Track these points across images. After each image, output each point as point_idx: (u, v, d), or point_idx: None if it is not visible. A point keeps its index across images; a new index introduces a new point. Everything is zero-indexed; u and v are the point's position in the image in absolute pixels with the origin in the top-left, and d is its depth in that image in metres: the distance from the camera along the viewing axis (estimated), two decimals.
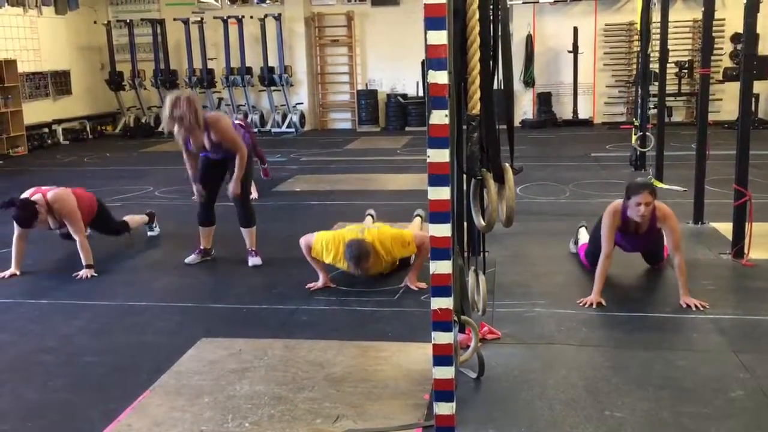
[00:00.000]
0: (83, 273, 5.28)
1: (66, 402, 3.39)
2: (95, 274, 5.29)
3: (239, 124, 7.15)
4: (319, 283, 4.84)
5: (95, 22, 14.90)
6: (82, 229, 5.44)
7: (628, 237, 4.69)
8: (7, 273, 5.33)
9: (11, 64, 12.37)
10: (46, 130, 13.47)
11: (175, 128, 5.00)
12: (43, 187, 5.44)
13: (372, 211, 6.08)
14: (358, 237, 4.66)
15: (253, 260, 5.46)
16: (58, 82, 14.02)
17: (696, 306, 4.24)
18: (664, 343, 3.83)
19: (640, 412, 3.10)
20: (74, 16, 14.19)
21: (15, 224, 5.33)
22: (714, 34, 6.49)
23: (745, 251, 5.15)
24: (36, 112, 13.16)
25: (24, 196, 5.34)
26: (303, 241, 4.90)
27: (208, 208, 5.52)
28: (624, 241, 4.74)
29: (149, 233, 6.39)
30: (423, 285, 4.69)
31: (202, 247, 5.57)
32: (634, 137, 8.77)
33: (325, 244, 4.77)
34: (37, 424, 3.20)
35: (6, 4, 12.14)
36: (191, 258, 5.52)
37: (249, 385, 3.45)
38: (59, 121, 13.80)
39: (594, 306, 4.34)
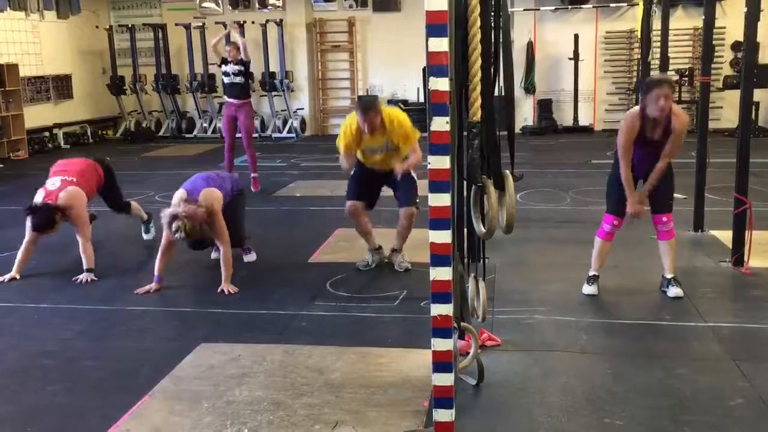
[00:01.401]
0: (83, 277, 5.27)
1: (65, 406, 3.39)
2: (95, 279, 5.29)
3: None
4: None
5: (97, 27, 14.92)
6: (88, 235, 5.43)
7: (645, 148, 4.44)
8: (7, 277, 5.33)
9: (13, 68, 12.38)
10: (47, 134, 13.47)
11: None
12: (50, 187, 5.35)
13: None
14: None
15: (248, 257, 5.62)
16: (60, 86, 14.03)
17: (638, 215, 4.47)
18: (663, 351, 3.83)
19: (640, 419, 3.10)
20: (76, 21, 14.21)
21: (28, 228, 5.29)
22: (714, 43, 6.51)
23: (745, 259, 5.15)
24: (37, 116, 13.17)
25: (37, 200, 5.28)
26: (342, 161, 5.21)
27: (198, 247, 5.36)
28: (640, 154, 4.47)
29: (145, 236, 6.39)
30: (408, 265, 5.23)
31: None
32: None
33: (342, 135, 5.14)
34: (37, 428, 3.20)
35: (8, 8, 12.18)
36: (215, 254, 5.41)
37: (248, 391, 3.45)
38: (60, 125, 13.80)
39: (639, 218, 4.45)
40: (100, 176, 5.82)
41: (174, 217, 4.70)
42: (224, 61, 8.57)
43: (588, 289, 4.72)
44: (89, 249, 5.38)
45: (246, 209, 5.67)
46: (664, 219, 4.60)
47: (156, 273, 5.01)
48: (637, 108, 4.47)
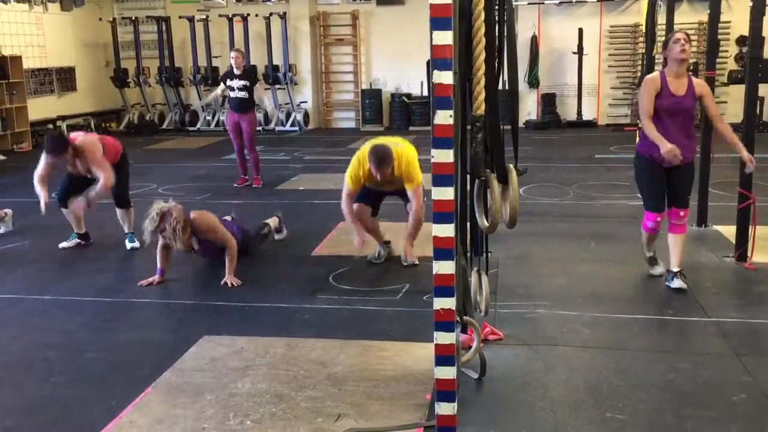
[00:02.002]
0: (78, 200, 5.61)
1: (68, 398, 3.40)
2: (85, 206, 5.53)
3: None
4: (355, 242, 5.13)
5: (100, 19, 14.93)
6: (109, 173, 5.56)
7: (675, 116, 4.49)
8: (42, 205, 5.46)
9: (16, 60, 12.40)
10: (51, 126, 13.49)
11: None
12: (72, 135, 5.71)
13: (279, 214, 6.25)
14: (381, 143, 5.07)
15: (279, 235, 5.89)
16: (63, 79, 14.04)
17: (751, 161, 4.62)
18: (666, 345, 3.83)
19: (642, 414, 3.10)
20: (80, 13, 14.22)
21: (42, 157, 5.52)
22: (719, 37, 6.48)
23: (749, 254, 5.14)
24: (41, 108, 13.19)
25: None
26: (342, 202, 5.18)
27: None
28: (671, 125, 4.48)
29: (129, 245, 6.14)
30: (415, 258, 5.14)
31: None
32: (638, 139, 8.74)
33: (352, 173, 5.09)
34: (39, 419, 3.21)
35: (12, 0, 12.19)
36: None
37: (251, 384, 3.45)
38: (64, 118, 13.82)
39: (676, 155, 4.33)
40: (118, 152, 5.92)
41: (157, 220, 4.80)
42: (229, 75, 8.52)
43: (655, 270, 4.90)
44: (105, 185, 5.53)
45: (249, 203, 5.67)
46: (681, 213, 4.63)
47: (158, 266, 5.02)
48: (654, 73, 4.65)
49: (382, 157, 4.92)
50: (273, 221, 6.07)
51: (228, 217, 5.62)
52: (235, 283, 4.91)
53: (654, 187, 4.63)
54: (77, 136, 5.66)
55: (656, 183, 4.62)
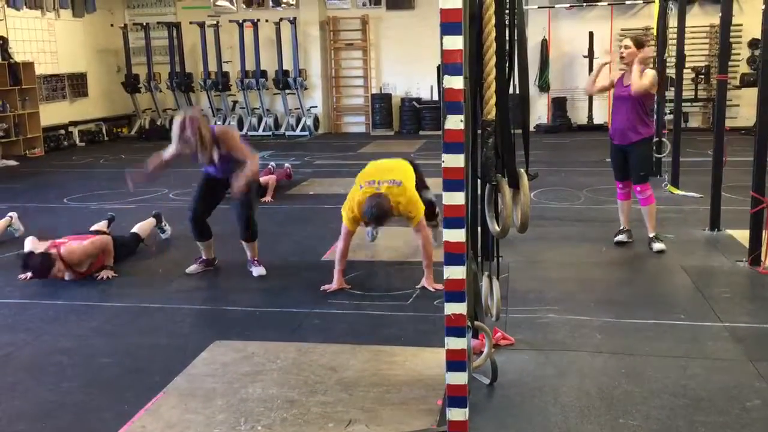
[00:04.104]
0: (104, 273, 5.31)
1: (80, 403, 3.41)
2: (115, 275, 5.32)
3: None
4: (334, 285, 4.85)
5: (112, 25, 15.01)
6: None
7: (620, 89, 5.54)
8: (29, 274, 5.25)
9: (29, 66, 12.48)
10: (63, 131, 13.57)
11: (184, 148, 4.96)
12: (57, 240, 5.35)
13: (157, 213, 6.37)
14: (375, 193, 4.75)
15: (258, 270, 5.29)
16: (75, 85, 14.12)
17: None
18: (678, 350, 3.80)
19: (655, 420, 3.08)
20: (91, 19, 14.30)
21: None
22: (731, 40, 6.46)
23: (762, 259, 5.10)
24: (53, 114, 13.26)
25: (38, 250, 5.22)
26: (339, 241, 5.03)
27: (202, 224, 5.34)
28: (617, 91, 5.61)
29: (162, 235, 6.39)
30: (440, 286, 4.64)
31: (203, 258, 5.44)
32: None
33: (350, 215, 4.90)
34: (51, 424, 3.22)
35: (24, 6, 12.28)
36: (192, 268, 5.38)
37: (262, 389, 3.45)
38: (76, 123, 13.90)
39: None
40: (109, 249, 5.47)
41: (188, 121, 4.83)
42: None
43: (618, 237, 5.73)
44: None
45: (259, 207, 5.68)
46: (638, 189, 5.54)
47: (147, 168, 5.18)
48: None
49: (378, 214, 4.69)
50: (149, 223, 6.22)
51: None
52: (243, 187, 4.90)
53: (614, 162, 5.76)
54: (61, 243, 5.26)
55: (613, 158, 5.77)
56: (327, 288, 4.85)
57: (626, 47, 5.44)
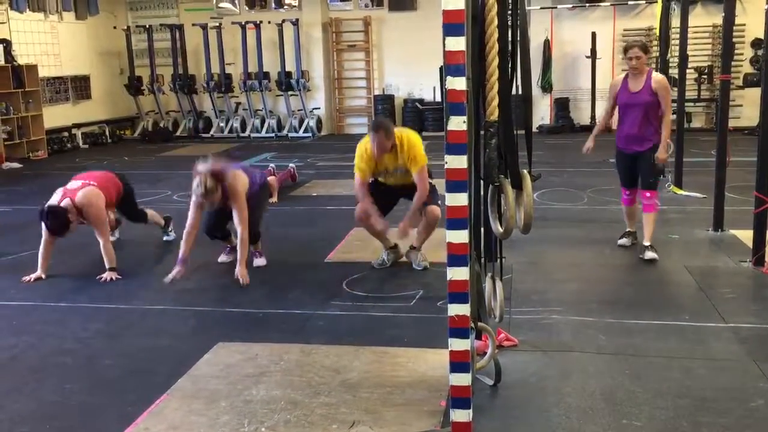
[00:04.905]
0: (107, 276, 5.32)
1: (84, 405, 3.41)
2: (119, 277, 5.33)
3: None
4: (381, 226, 5.20)
5: (115, 28, 15.03)
6: (107, 234, 5.48)
7: (629, 96, 5.38)
8: (32, 276, 5.35)
9: (32, 68, 12.51)
10: (66, 134, 13.60)
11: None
12: (70, 187, 5.43)
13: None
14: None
15: (258, 261, 5.55)
16: (78, 87, 14.16)
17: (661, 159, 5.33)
18: (682, 351, 3.80)
19: (659, 421, 3.07)
20: (94, 22, 14.34)
21: (44, 230, 5.33)
22: (734, 40, 6.45)
23: (766, 259, 5.09)
24: (56, 116, 13.29)
25: (53, 201, 5.33)
26: (356, 190, 5.25)
27: (217, 234, 5.59)
28: (625, 98, 5.41)
29: (165, 238, 6.41)
30: (427, 264, 5.21)
31: (230, 246, 5.68)
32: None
33: (358, 162, 5.14)
34: (55, 426, 3.23)
35: (27, 9, 12.31)
36: (223, 257, 5.67)
37: (265, 390, 3.46)
38: (79, 126, 13.93)
39: (587, 149, 5.71)
40: (119, 188, 5.82)
41: (198, 174, 4.95)
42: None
43: (622, 240, 5.69)
44: (109, 248, 5.41)
45: (267, 211, 5.70)
46: (647, 194, 5.43)
47: (180, 255, 5.03)
48: (623, 74, 5.56)
49: (377, 122, 5.09)
50: (158, 216, 6.34)
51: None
52: (245, 280, 4.96)
53: (621, 169, 5.65)
54: (75, 190, 5.37)
55: (622, 165, 5.64)
56: (383, 228, 5.19)
57: (637, 58, 5.26)
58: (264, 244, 5.69)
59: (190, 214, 5.12)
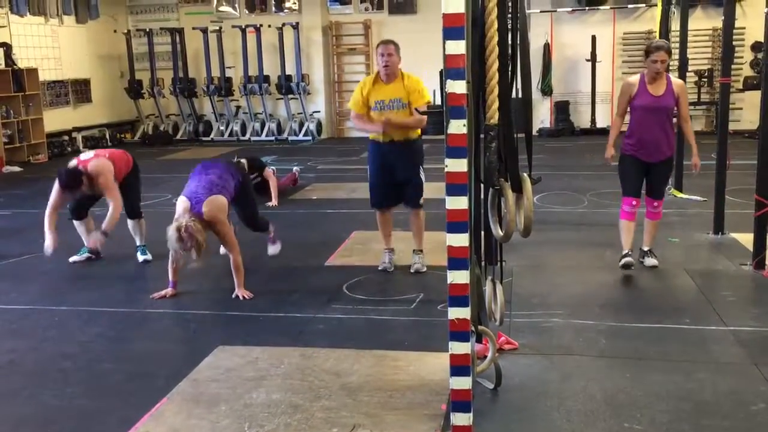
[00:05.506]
0: (95, 236, 5.48)
1: (84, 409, 3.41)
2: (103, 241, 5.49)
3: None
4: (373, 128, 5.16)
5: (115, 31, 15.05)
6: (119, 200, 5.58)
7: (653, 100, 5.02)
8: (47, 247, 5.37)
9: (32, 72, 12.51)
10: (67, 137, 13.61)
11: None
12: (83, 157, 5.63)
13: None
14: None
15: (272, 249, 5.82)
16: (79, 90, 14.17)
17: (696, 166, 5.16)
18: (683, 354, 3.79)
19: (660, 424, 3.07)
20: (95, 26, 14.36)
21: (55, 188, 5.43)
22: (734, 43, 6.45)
23: (767, 262, 5.09)
24: (56, 119, 13.30)
25: (69, 165, 5.53)
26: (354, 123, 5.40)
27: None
28: (646, 102, 5.03)
29: (141, 257, 5.97)
30: (424, 267, 5.24)
31: (272, 233, 5.86)
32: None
33: (355, 96, 5.23)
34: (55, 430, 3.23)
35: (28, 13, 12.33)
36: (223, 250, 5.36)
37: (266, 394, 3.45)
38: (79, 129, 13.94)
39: (608, 158, 5.39)
40: (129, 164, 5.92)
41: (180, 240, 4.55)
42: None
43: (626, 260, 5.10)
44: (116, 215, 5.50)
45: (265, 212, 5.69)
46: (655, 204, 5.24)
47: (171, 279, 5.02)
48: (632, 77, 5.23)
49: (387, 40, 5.17)
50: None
51: (223, 164, 5.69)
52: (246, 296, 4.90)
53: (634, 176, 5.18)
54: (88, 160, 5.57)
55: (631, 172, 5.19)
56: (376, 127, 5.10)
57: (662, 61, 4.94)
58: (263, 250, 5.70)
59: (172, 256, 4.91)
